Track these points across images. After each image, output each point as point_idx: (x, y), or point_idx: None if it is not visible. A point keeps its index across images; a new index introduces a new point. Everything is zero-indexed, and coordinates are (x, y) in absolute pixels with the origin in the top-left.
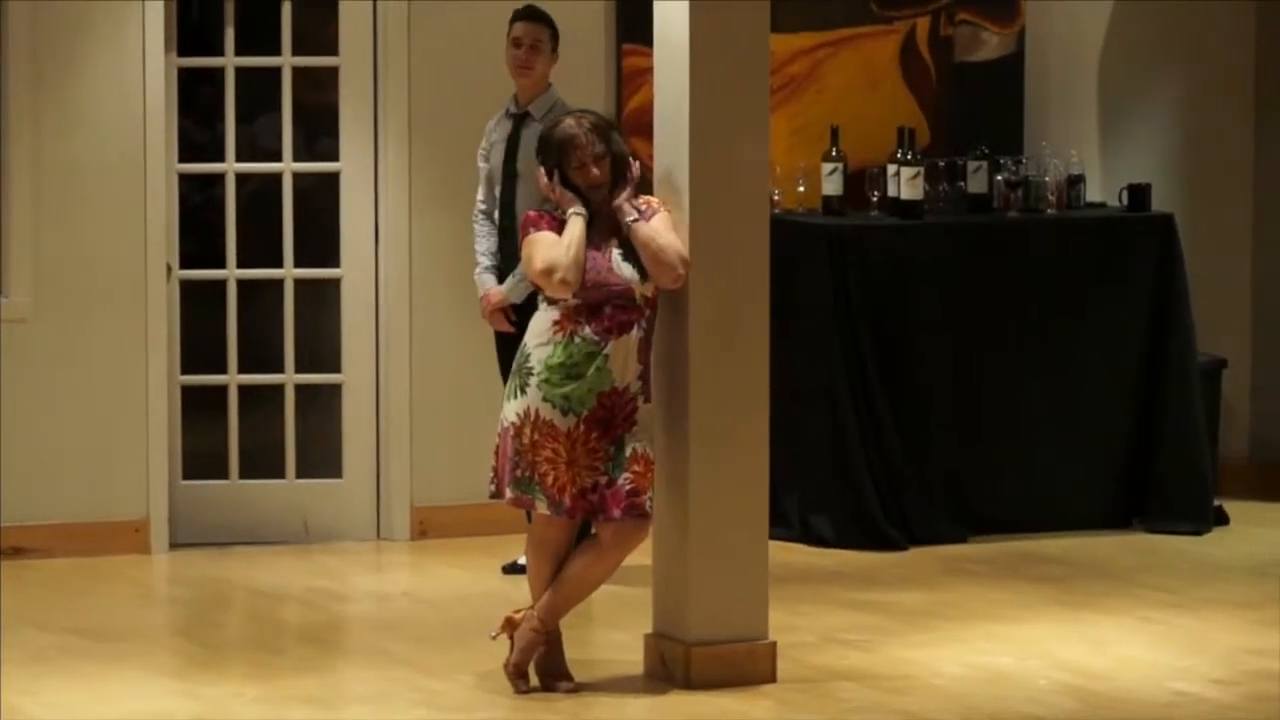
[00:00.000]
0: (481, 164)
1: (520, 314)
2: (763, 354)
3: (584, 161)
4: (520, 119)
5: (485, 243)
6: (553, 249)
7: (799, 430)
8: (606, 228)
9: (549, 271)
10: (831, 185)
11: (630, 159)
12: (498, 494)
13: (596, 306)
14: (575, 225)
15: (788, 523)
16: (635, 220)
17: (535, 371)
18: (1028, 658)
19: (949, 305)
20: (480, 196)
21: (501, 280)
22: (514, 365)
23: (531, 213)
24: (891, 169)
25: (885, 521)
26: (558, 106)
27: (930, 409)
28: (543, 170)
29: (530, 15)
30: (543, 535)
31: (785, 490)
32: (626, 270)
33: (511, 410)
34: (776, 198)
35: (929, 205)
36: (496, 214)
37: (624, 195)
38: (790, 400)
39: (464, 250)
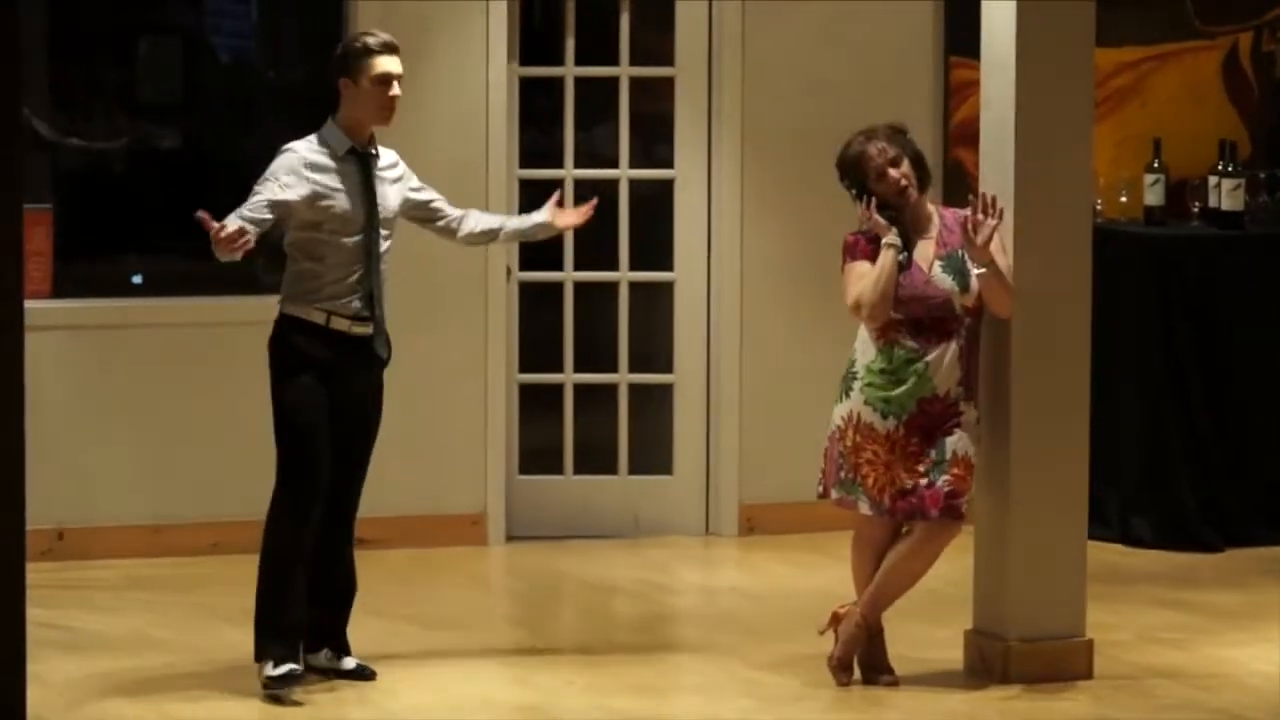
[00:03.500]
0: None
1: None
2: (1084, 359)
3: (882, 170)
4: (366, 159)
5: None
6: (861, 281)
7: (1119, 433)
8: (921, 230)
9: (856, 307)
10: (1153, 196)
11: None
12: (824, 494)
13: (917, 319)
14: (885, 258)
15: (1107, 523)
16: (982, 272)
17: (859, 375)
18: None
19: (1267, 313)
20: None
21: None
22: (843, 371)
23: (849, 237)
24: (1212, 180)
25: (1202, 523)
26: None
27: (1248, 414)
28: (855, 197)
29: (396, 49)
30: (864, 534)
31: (1105, 492)
32: (946, 281)
33: (837, 414)
34: (1099, 207)
35: (1249, 216)
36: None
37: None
38: (1111, 404)
39: (794, 254)
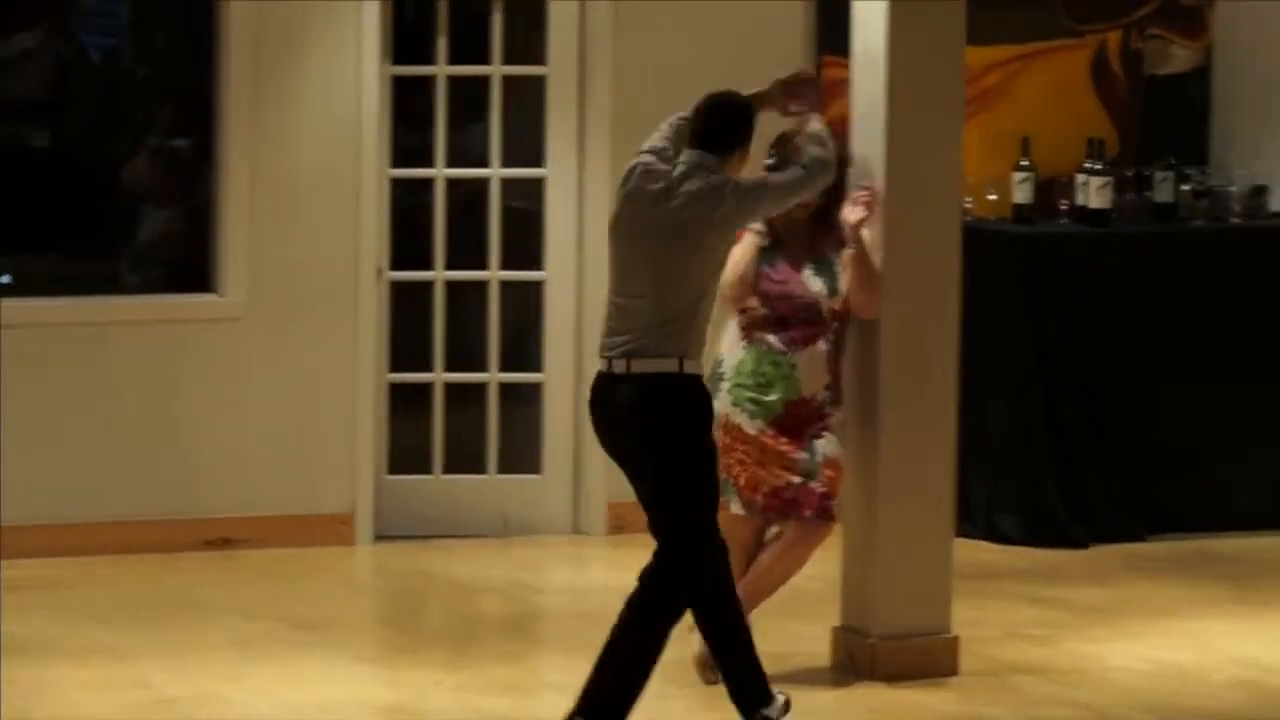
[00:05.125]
0: None
1: None
2: (952, 358)
3: None
4: None
5: None
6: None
7: (986, 432)
8: (805, 242)
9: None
10: (1022, 194)
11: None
12: None
13: (783, 318)
14: (746, 242)
15: (973, 520)
16: (855, 251)
17: (726, 376)
18: (1204, 653)
19: (1134, 310)
20: None
21: None
22: (708, 372)
23: None
24: (1081, 178)
25: (1068, 520)
26: None
27: (1113, 411)
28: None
29: None
30: (732, 533)
31: (971, 489)
32: (815, 284)
33: None
34: (968, 205)
35: (1116, 214)
36: None
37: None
38: (978, 402)
39: None
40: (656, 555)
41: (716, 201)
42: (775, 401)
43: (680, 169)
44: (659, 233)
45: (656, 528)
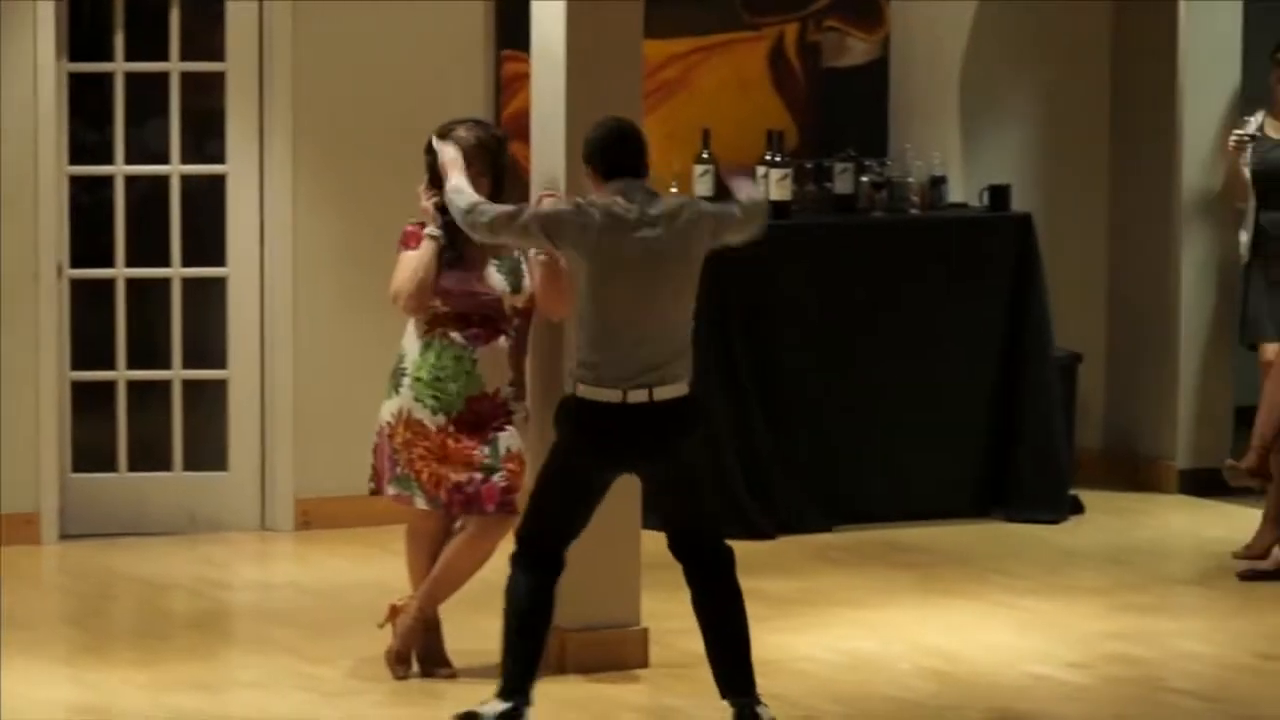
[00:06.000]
0: None
1: None
2: None
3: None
4: None
5: None
6: (402, 272)
7: None
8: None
9: (395, 297)
10: (703, 186)
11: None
12: (377, 490)
13: (464, 314)
14: (424, 248)
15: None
16: (541, 257)
17: (408, 372)
18: (890, 642)
19: (815, 302)
20: None
21: None
22: (391, 366)
23: (408, 226)
24: (761, 171)
25: (755, 511)
26: None
27: (797, 403)
28: (424, 184)
29: None
30: (419, 528)
31: None
32: (497, 281)
33: (387, 410)
34: None
35: (797, 205)
36: None
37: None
38: None
39: (348, 248)
40: (722, 557)
41: (703, 223)
42: (456, 397)
43: (644, 200)
44: (662, 261)
45: (690, 538)
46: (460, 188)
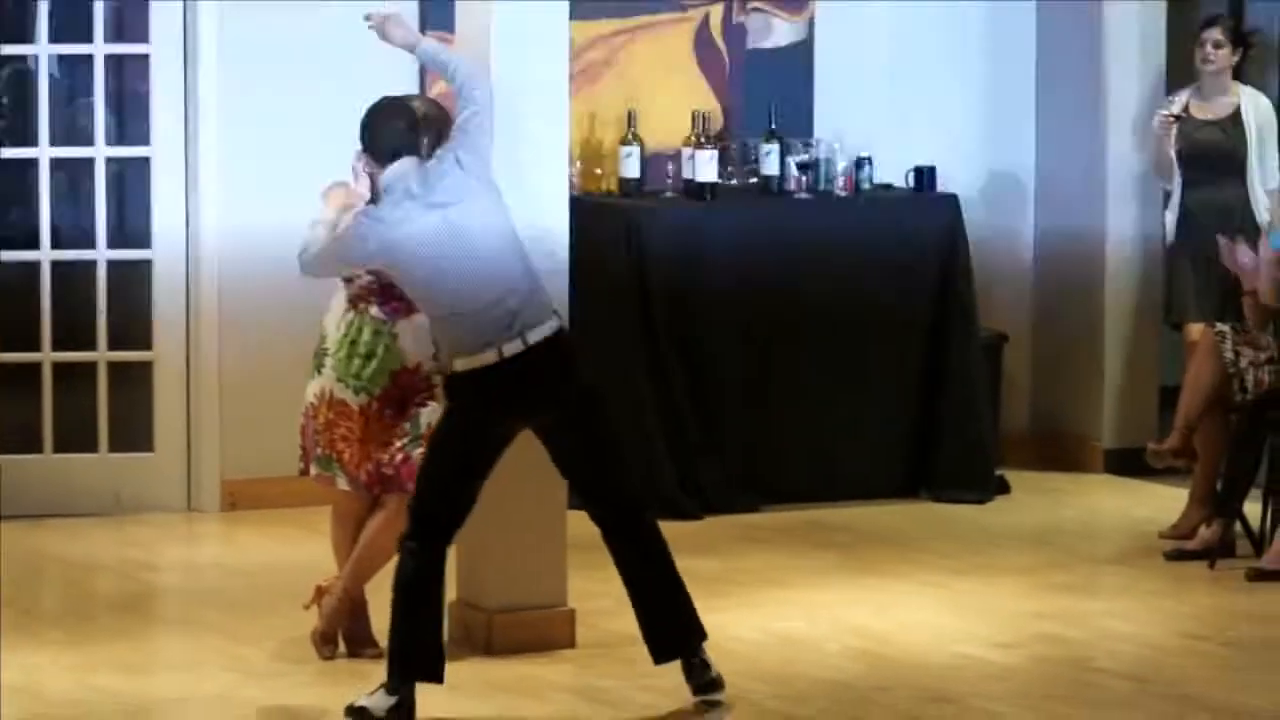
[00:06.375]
0: None
1: None
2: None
3: None
4: None
5: None
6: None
7: None
8: None
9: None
10: (629, 168)
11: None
12: (305, 471)
13: (386, 287)
14: (345, 221)
15: None
16: None
17: (330, 351)
18: (817, 623)
19: (741, 282)
20: None
21: None
22: (315, 347)
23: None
24: (686, 152)
25: (681, 492)
26: None
27: (723, 384)
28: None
29: None
30: (343, 508)
31: None
32: None
33: (310, 390)
34: (575, 181)
35: (723, 187)
36: None
37: None
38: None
39: (274, 228)
40: (641, 514)
41: (461, 158)
42: (378, 372)
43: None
44: (460, 227)
45: (605, 501)
46: (316, 223)
